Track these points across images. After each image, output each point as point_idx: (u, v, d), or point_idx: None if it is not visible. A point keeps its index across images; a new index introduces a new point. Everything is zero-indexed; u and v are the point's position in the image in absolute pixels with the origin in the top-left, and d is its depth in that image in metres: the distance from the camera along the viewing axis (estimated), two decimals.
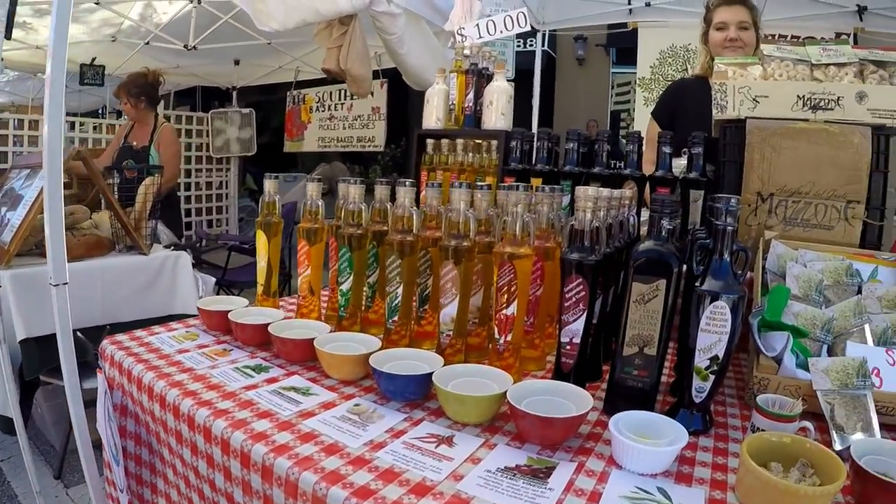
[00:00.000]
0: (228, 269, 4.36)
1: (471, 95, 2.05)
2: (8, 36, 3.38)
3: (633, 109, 6.00)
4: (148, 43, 5.24)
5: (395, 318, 1.35)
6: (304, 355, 1.32)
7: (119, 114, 6.85)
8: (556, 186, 1.30)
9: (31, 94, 6.39)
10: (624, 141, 1.82)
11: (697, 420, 1.08)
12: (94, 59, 5.73)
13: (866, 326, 1.26)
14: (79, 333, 2.24)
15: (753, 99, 1.60)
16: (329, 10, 3.19)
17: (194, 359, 1.35)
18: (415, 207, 1.34)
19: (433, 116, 2.12)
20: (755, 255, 1.47)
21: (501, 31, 2.31)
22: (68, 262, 1.72)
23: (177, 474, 1.23)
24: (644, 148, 1.77)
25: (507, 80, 2.10)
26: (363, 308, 1.47)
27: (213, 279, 3.20)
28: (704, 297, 1.03)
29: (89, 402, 1.60)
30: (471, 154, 1.97)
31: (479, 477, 0.90)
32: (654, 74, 5.30)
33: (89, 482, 1.74)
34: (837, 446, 1.03)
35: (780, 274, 1.42)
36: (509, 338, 1.19)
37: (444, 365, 1.17)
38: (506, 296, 1.16)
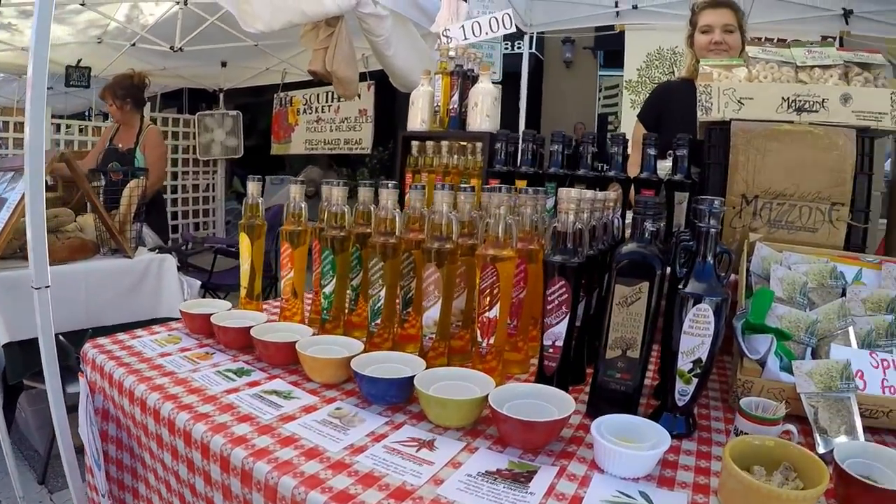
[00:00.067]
0: (214, 272, 4.34)
1: (456, 97, 2.04)
2: None
3: (621, 112, 6.02)
4: (134, 44, 5.20)
5: (378, 321, 1.34)
6: (286, 359, 1.30)
7: (105, 116, 6.79)
8: (539, 188, 1.29)
9: (17, 97, 6.32)
10: (609, 143, 1.82)
11: (681, 423, 1.08)
12: (79, 61, 5.68)
13: (850, 329, 1.27)
14: (61, 337, 2.22)
15: (738, 101, 1.60)
16: (315, 12, 3.18)
17: (176, 362, 1.33)
18: (398, 209, 1.33)
19: (418, 118, 2.11)
20: (739, 258, 1.48)
21: (487, 33, 2.31)
22: (52, 265, 1.70)
23: (158, 479, 1.21)
24: (630, 150, 1.77)
25: (494, 83, 2.10)
26: (346, 311, 1.46)
27: (199, 282, 3.17)
28: (687, 299, 1.02)
29: (72, 407, 1.58)
30: (456, 156, 1.96)
31: (460, 481, 0.89)
32: (640, 77, 5.33)
33: (72, 488, 1.72)
34: (821, 449, 1.03)
35: (765, 276, 1.43)
36: (492, 341, 1.18)
37: (427, 368, 1.16)
38: (488, 298, 1.16)
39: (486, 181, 1.77)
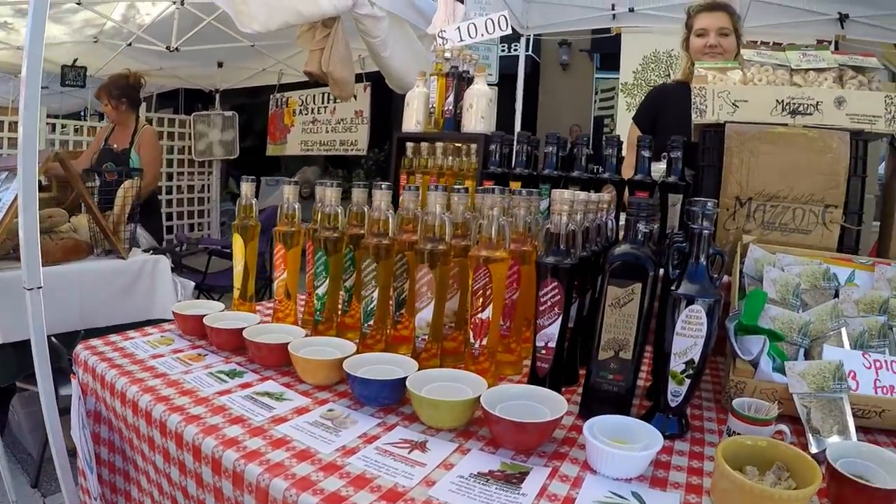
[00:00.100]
0: (209, 273, 4.34)
1: (451, 98, 2.04)
2: None
3: (616, 115, 6.04)
4: (130, 44, 5.18)
5: (371, 323, 1.34)
6: (278, 360, 1.30)
7: (101, 116, 6.79)
8: (533, 190, 1.29)
9: (12, 96, 6.29)
10: (604, 145, 1.83)
11: (673, 424, 1.08)
12: (75, 61, 5.66)
13: (843, 330, 1.27)
14: (53, 338, 2.21)
15: (733, 103, 1.60)
16: (311, 13, 3.18)
17: (168, 364, 1.32)
18: (391, 210, 1.33)
19: (413, 119, 2.11)
20: (732, 260, 1.48)
21: (482, 35, 2.31)
22: (46, 265, 1.70)
23: (150, 482, 1.21)
24: (625, 152, 1.77)
25: (490, 84, 2.10)
26: (339, 312, 1.46)
27: (193, 283, 3.16)
28: (680, 300, 1.03)
29: (65, 409, 1.58)
30: (450, 157, 1.96)
31: (452, 483, 0.89)
32: (636, 80, 5.35)
33: (65, 491, 1.71)
34: (813, 449, 1.03)
35: (758, 278, 1.43)
36: (484, 342, 1.18)
37: (420, 369, 1.16)
38: (481, 300, 1.16)
39: (480, 183, 1.76)
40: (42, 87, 1.66)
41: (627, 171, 1.67)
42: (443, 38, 2.32)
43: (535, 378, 1.18)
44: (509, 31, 2.35)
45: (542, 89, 10.55)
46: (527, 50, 5.28)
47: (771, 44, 3.80)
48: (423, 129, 2.12)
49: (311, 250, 1.45)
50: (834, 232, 1.55)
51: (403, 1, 3.55)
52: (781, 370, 1.18)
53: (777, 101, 1.57)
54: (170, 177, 7.05)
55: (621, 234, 1.20)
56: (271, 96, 7.21)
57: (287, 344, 1.26)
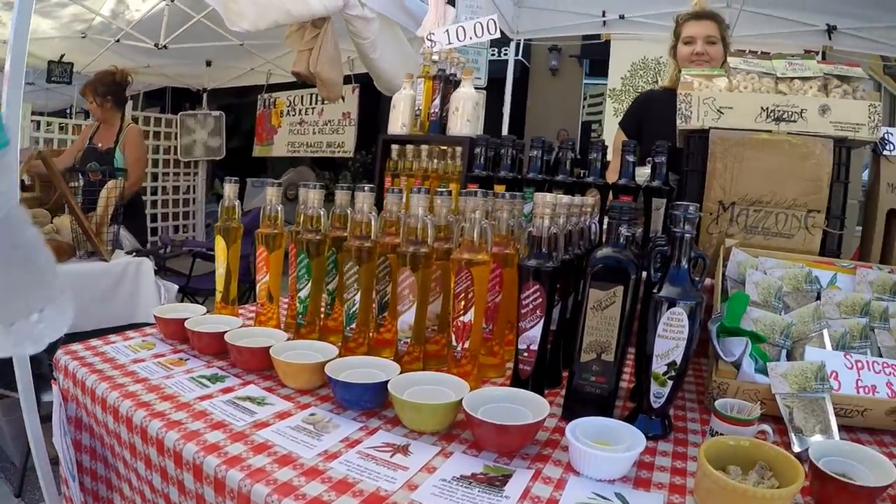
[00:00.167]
0: (193, 276, 4.29)
1: (437, 101, 2.04)
2: None
3: (604, 120, 6.07)
4: (118, 41, 5.12)
5: (353, 326, 1.33)
6: (260, 364, 1.29)
7: (87, 114, 6.70)
8: (516, 193, 1.29)
9: None
10: (589, 149, 1.83)
11: (656, 425, 1.08)
12: (62, 56, 5.58)
13: (825, 331, 1.29)
14: None
15: (718, 110, 1.62)
16: (301, 12, 3.16)
17: (149, 369, 1.31)
18: (374, 213, 1.32)
19: (399, 122, 2.11)
20: (716, 263, 1.49)
21: (471, 38, 2.31)
22: None
23: (132, 489, 1.19)
24: (610, 157, 1.77)
25: (479, 88, 2.10)
26: (322, 315, 1.45)
27: (177, 287, 3.14)
28: (661, 303, 1.03)
29: (48, 417, 1.55)
30: (435, 160, 1.96)
31: (434, 486, 0.89)
32: (624, 86, 5.37)
33: (48, 500, 1.69)
34: (796, 448, 1.04)
35: (740, 281, 1.44)
36: (467, 345, 1.18)
37: (402, 373, 1.15)
38: (463, 302, 1.16)
39: (464, 186, 1.76)
40: (27, 84, 1.64)
41: (613, 176, 1.67)
42: (431, 40, 2.32)
43: (517, 381, 1.18)
44: (498, 35, 2.35)
45: (531, 94, 10.58)
46: (516, 55, 5.29)
47: (759, 53, 3.84)
48: (408, 132, 2.11)
49: (294, 253, 1.44)
50: (816, 236, 1.57)
51: (394, 3, 3.55)
52: (764, 371, 1.19)
53: (762, 108, 1.59)
54: (155, 177, 6.99)
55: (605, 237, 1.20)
56: (259, 96, 7.17)
57: (269, 348, 1.25)
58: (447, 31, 2.31)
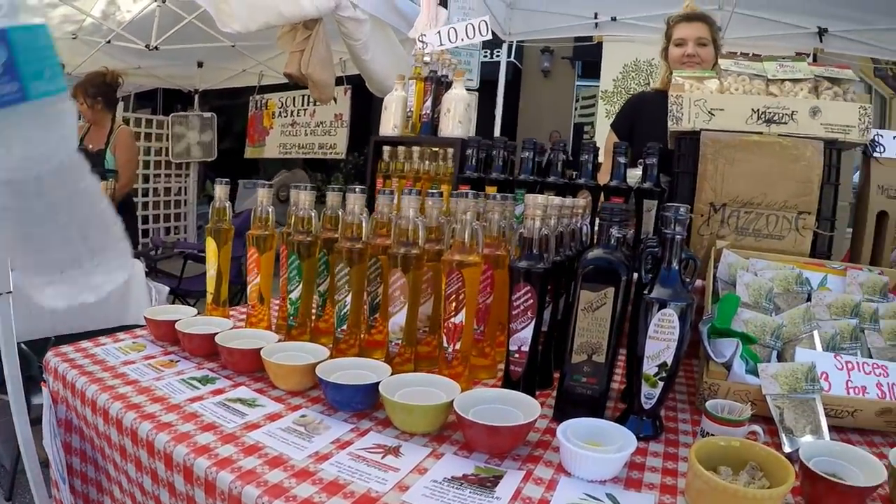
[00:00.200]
0: (184, 277, 4.27)
1: (429, 103, 2.04)
2: None
3: (596, 122, 6.09)
4: (109, 42, 5.09)
5: (344, 328, 1.33)
6: (251, 366, 1.28)
7: (78, 115, 6.66)
8: (507, 195, 1.29)
9: None
10: (580, 151, 1.85)
11: (647, 426, 1.09)
12: None
13: (815, 333, 1.29)
14: (23, 346, 2.16)
15: (709, 112, 1.62)
16: (293, 14, 3.16)
17: (139, 370, 1.30)
18: (365, 214, 1.32)
19: (390, 123, 2.11)
20: (707, 264, 1.49)
21: (463, 39, 2.31)
22: (15, 269, 1.65)
23: (123, 492, 1.18)
24: (602, 158, 1.77)
25: (471, 90, 2.10)
26: (313, 317, 1.45)
27: (168, 288, 3.12)
28: (652, 304, 1.03)
29: (38, 419, 1.54)
30: (427, 162, 1.96)
31: (426, 487, 0.89)
32: (616, 88, 5.39)
33: (38, 503, 1.67)
34: (787, 449, 1.05)
35: (731, 282, 1.44)
36: (458, 346, 1.18)
37: (393, 374, 1.15)
38: (454, 304, 1.15)
39: (456, 187, 1.76)
40: None
41: (604, 177, 1.68)
42: (423, 42, 2.32)
43: (508, 382, 1.18)
44: (490, 37, 2.36)
45: (523, 95, 10.59)
46: (509, 56, 5.31)
47: (750, 55, 3.87)
48: (400, 133, 2.11)
49: (285, 254, 1.44)
50: (807, 238, 1.57)
51: (386, 4, 3.55)
52: (754, 372, 1.19)
53: (752, 109, 1.60)
54: (146, 178, 6.93)
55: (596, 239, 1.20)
56: (251, 98, 7.13)
57: (260, 349, 1.24)
58: (439, 32, 2.31)
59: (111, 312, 2.70)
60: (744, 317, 1.30)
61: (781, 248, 1.58)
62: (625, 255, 1.08)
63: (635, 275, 1.11)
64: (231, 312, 1.65)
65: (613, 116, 2.78)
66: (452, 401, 1.02)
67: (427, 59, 2.15)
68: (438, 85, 2.08)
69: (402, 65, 3.61)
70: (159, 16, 4.63)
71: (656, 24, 4.19)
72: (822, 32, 4.17)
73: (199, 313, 1.55)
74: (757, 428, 1.04)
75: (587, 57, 8.92)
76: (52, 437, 1.27)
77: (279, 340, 1.36)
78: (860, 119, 1.55)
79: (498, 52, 5.49)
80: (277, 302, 1.59)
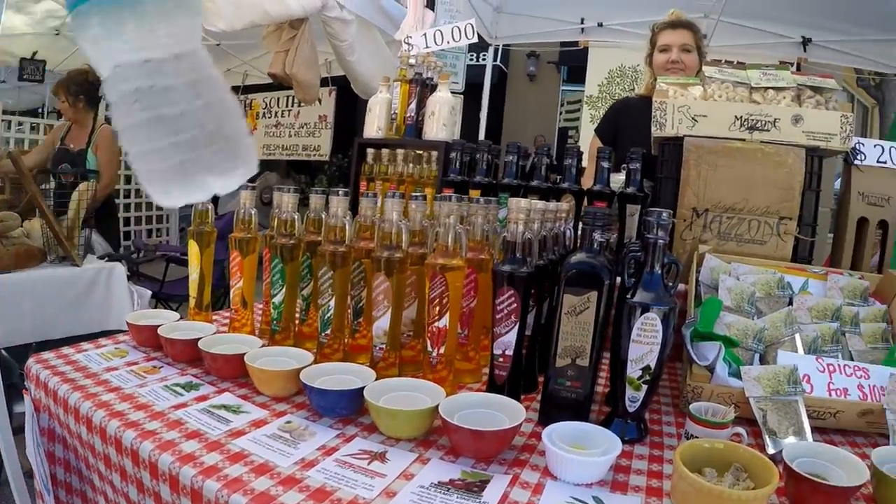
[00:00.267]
0: (167, 281, 4.21)
1: (413, 105, 2.04)
2: None
3: (581, 126, 6.13)
4: None
5: (328, 332, 1.32)
6: (234, 371, 1.27)
7: (60, 114, 6.58)
8: (491, 198, 1.29)
9: None
10: (564, 155, 1.85)
11: (632, 429, 1.09)
12: (34, 54, 5.45)
13: (797, 336, 1.31)
14: (3, 352, 2.12)
15: (692, 118, 1.64)
16: (279, 13, 3.14)
17: (122, 377, 1.28)
18: (348, 217, 1.31)
19: (374, 125, 2.10)
20: (689, 269, 1.51)
21: (448, 42, 2.32)
22: None
23: (108, 502, 1.16)
24: (586, 163, 1.78)
25: (457, 93, 2.10)
26: (297, 321, 1.43)
27: (150, 292, 3.08)
28: (635, 308, 1.04)
29: (20, 428, 1.51)
30: (411, 165, 1.96)
31: (413, 493, 0.88)
32: (601, 93, 5.43)
33: None
34: (770, 450, 1.06)
35: (714, 286, 1.46)
36: (442, 350, 1.17)
37: (378, 379, 1.14)
38: (437, 308, 1.15)
39: (440, 190, 1.76)
40: None
41: (588, 182, 1.69)
42: (409, 44, 2.32)
43: (493, 386, 1.18)
44: (475, 40, 2.36)
45: (508, 99, 10.62)
46: (495, 60, 5.32)
47: (735, 63, 3.91)
48: (384, 136, 2.11)
49: (268, 258, 1.42)
50: (788, 243, 1.59)
51: (373, 5, 3.53)
52: (737, 375, 1.20)
53: (736, 117, 1.61)
54: (128, 179, 6.84)
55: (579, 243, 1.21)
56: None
57: (243, 354, 1.23)
58: (425, 34, 2.31)
59: (92, 317, 2.66)
60: (726, 320, 1.31)
61: (763, 252, 1.59)
62: (608, 260, 1.08)
63: (618, 279, 1.11)
64: (214, 317, 1.63)
65: (598, 121, 2.80)
66: (437, 405, 1.02)
67: (412, 61, 2.14)
68: (423, 87, 2.07)
69: (388, 66, 3.60)
70: None
71: (642, 31, 4.22)
72: (806, 42, 4.24)
73: (181, 318, 1.53)
74: (741, 430, 1.05)
75: (573, 62, 8.97)
76: (35, 446, 1.25)
77: (263, 345, 1.35)
78: (842, 127, 1.58)
79: (484, 55, 5.50)
80: (261, 306, 1.58)
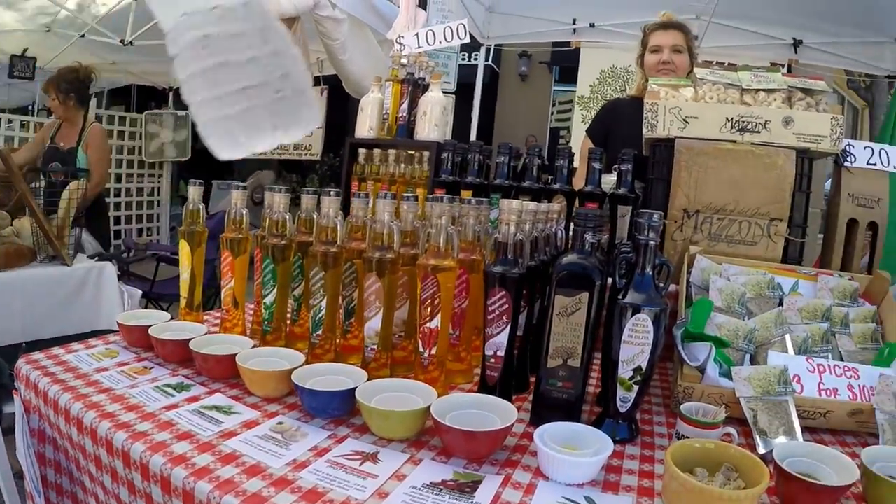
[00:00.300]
0: (157, 281, 4.19)
1: (405, 105, 2.03)
2: None
3: (572, 127, 6.14)
4: (84, 35, 4.98)
5: (320, 332, 1.31)
6: (226, 372, 1.26)
7: (51, 111, 6.54)
8: (482, 199, 1.29)
9: None
10: (556, 156, 1.86)
11: (623, 429, 1.10)
12: (25, 51, 5.41)
13: (787, 336, 1.32)
14: None
15: (683, 119, 1.65)
16: (271, 11, 3.13)
17: (113, 378, 1.27)
18: (340, 218, 1.31)
19: (366, 125, 2.09)
20: (680, 270, 1.51)
21: (440, 42, 2.31)
22: None
23: (99, 503, 1.16)
24: (577, 164, 1.79)
25: (448, 93, 2.10)
26: (288, 322, 1.43)
27: (140, 292, 3.06)
28: (626, 309, 1.04)
29: (10, 429, 1.50)
30: (402, 165, 1.95)
31: (405, 493, 0.88)
32: (593, 93, 5.44)
33: None
34: (761, 450, 1.07)
35: (704, 287, 1.47)
36: (434, 351, 1.18)
37: (369, 379, 1.14)
38: (429, 309, 1.15)
39: (431, 191, 1.76)
40: None
41: (579, 183, 1.69)
42: (401, 43, 2.32)
43: (484, 387, 1.18)
44: (468, 40, 2.36)
45: (500, 99, 10.62)
46: (486, 60, 5.32)
47: (726, 64, 3.93)
48: (376, 136, 2.10)
49: (259, 258, 1.42)
50: (778, 244, 1.60)
51: (365, 4, 3.53)
52: (728, 375, 1.21)
53: (727, 118, 1.62)
54: (118, 178, 6.81)
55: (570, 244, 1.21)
56: None
57: (235, 355, 1.22)
58: (417, 34, 2.31)
59: (83, 317, 2.65)
60: (717, 321, 1.32)
61: (754, 253, 1.60)
62: (599, 261, 1.08)
63: (609, 280, 1.12)
64: (205, 317, 1.62)
65: (589, 122, 2.81)
66: (429, 406, 1.02)
67: (404, 61, 2.14)
68: (415, 87, 2.07)
69: (380, 66, 3.59)
70: (135, 10, 4.54)
71: (634, 32, 4.22)
72: (797, 44, 4.26)
73: (172, 318, 1.52)
74: (731, 430, 1.05)
75: (565, 62, 8.96)
76: (25, 447, 1.24)
77: (254, 346, 1.34)
78: (832, 129, 1.59)
79: (476, 55, 5.51)
80: (252, 306, 1.57)
